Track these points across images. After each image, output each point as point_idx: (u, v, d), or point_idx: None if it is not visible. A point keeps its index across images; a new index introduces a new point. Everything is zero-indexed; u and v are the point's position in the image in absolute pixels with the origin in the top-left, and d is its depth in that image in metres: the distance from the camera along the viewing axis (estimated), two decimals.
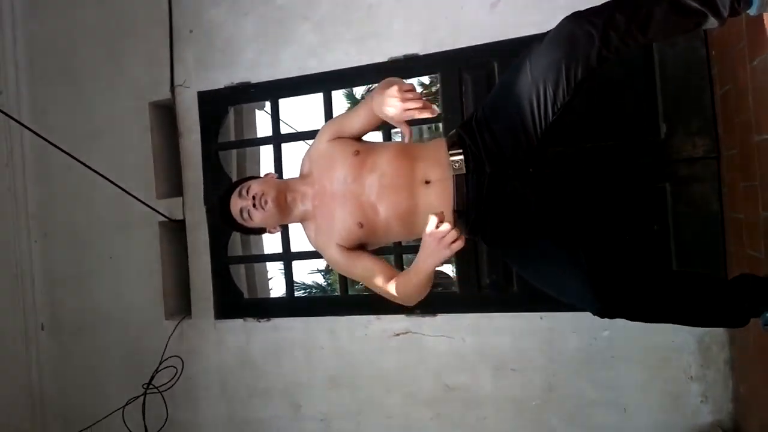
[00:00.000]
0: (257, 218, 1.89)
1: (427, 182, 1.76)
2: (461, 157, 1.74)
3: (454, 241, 1.47)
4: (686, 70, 2.48)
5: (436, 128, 6.04)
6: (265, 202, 1.85)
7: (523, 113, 1.67)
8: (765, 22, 1.71)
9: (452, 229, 1.47)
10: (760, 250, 1.95)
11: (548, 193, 1.80)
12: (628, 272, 1.68)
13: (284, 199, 1.89)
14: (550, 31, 1.63)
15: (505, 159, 1.74)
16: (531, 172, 1.78)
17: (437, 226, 1.48)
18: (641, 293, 1.65)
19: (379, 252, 2.10)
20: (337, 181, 1.83)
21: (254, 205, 1.85)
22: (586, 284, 1.62)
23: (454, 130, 1.87)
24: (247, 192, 1.88)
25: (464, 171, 1.74)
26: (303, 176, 1.95)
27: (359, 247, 1.88)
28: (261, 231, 2.02)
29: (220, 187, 3.20)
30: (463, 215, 1.76)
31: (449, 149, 1.77)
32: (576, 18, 1.59)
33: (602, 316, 1.66)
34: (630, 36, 1.58)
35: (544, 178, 1.83)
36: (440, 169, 1.76)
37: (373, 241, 1.91)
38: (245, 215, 1.89)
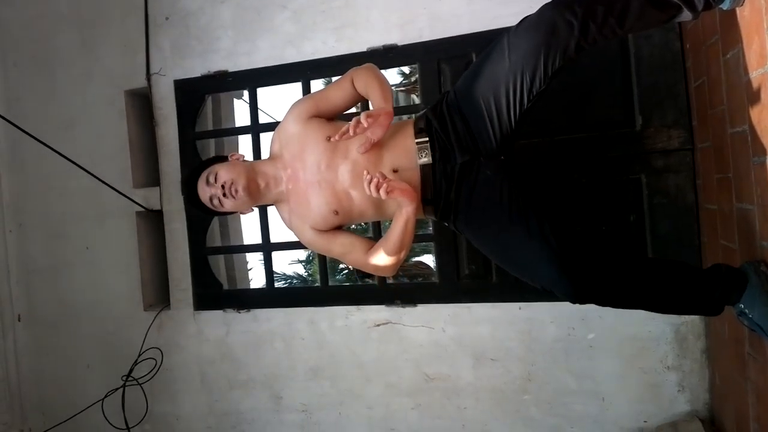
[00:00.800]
0: (228, 206, 1.87)
1: (395, 171, 1.76)
2: (427, 145, 1.75)
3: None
4: (661, 63, 2.49)
5: None
6: (236, 191, 1.83)
7: (498, 99, 1.67)
8: (738, 16, 1.72)
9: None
10: (733, 240, 1.98)
11: (520, 181, 1.79)
12: (601, 258, 1.67)
13: (255, 185, 1.87)
14: (530, 16, 1.63)
15: (476, 147, 1.74)
16: (503, 160, 1.78)
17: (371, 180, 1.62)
18: (615, 278, 1.65)
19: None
20: (311, 167, 1.82)
21: (224, 194, 1.83)
22: (558, 269, 1.62)
23: (422, 112, 1.85)
24: (215, 179, 1.84)
25: (430, 161, 1.74)
26: (273, 158, 1.92)
27: (335, 227, 1.89)
28: (233, 212, 2.01)
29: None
30: (431, 202, 1.78)
31: (416, 135, 1.77)
32: (557, 6, 1.59)
33: (575, 302, 1.66)
34: (608, 27, 1.59)
35: (515, 167, 1.81)
36: (407, 158, 1.77)
37: (347, 223, 1.92)
38: (215, 203, 1.87)
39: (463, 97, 1.75)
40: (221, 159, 1.98)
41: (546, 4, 1.62)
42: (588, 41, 1.59)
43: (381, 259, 1.81)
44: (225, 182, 1.82)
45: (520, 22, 1.65)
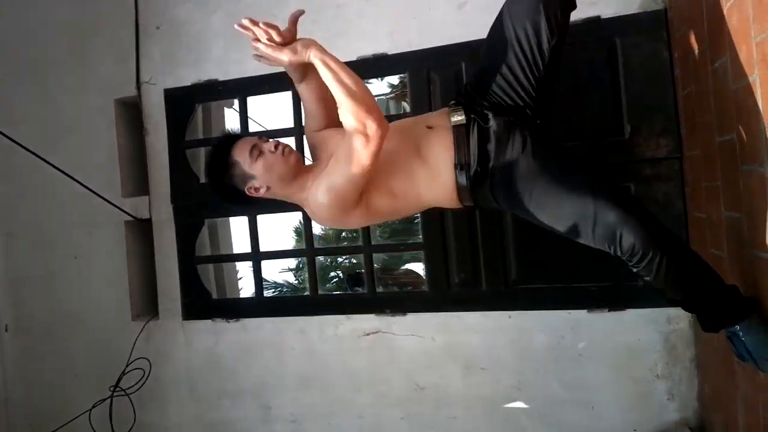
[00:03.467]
0: (268, 161, 1.74)
1: (429, 127, 1.76)
2: (461, 110, 1.76)
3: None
4: (650, 71, 2.51)
5: None
6: (289, 152, 1.76)
7: (510, 64, 1.68)
8: (725, 25, 1.73)
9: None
10: (722, 249, 1.98)
11: (558, 144, 1.79)
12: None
13: (303, 161, 1.83)
14: None
15: (508, 112, 1.74)
16: (538, 124, 1.77)
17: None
18: (672, 238, 1.61)
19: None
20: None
21: (275, 148, 1.74)
22: (625, 211, 1.53)
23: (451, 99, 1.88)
24: (258, 148, 1.76)
25: (464, 120, 1.74)
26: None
27: None
28: (242, 199, 1.84)
29: (188, 185, 3.18)
30: (465, 167, 1.73)
31: (450, 109, 1.80)
32: None
33: (647, 240, 1.52)
34: None
35: (551, 132, 1.81)
36: (440, 118, 1.79)
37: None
38: (254, 153, 1.74)
39: (482, 71, 1.78)
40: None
41: None
42: None
43: (348, 117, 1.59)
44: (280, 143, 1.78)
45: None
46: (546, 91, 1.77)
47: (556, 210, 1.67)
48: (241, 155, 1.77)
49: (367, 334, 2.92)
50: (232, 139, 1.82)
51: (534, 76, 1.69)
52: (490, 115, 1.73)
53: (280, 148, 1.76)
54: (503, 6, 1.69)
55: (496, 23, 1.74)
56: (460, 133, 1.73)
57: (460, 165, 1.72)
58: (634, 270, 1.61)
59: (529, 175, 1.69)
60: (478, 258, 2.75)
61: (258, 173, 1.77)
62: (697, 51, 2.11)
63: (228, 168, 1.79)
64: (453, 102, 1.84)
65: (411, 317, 2.86)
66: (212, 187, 1.86)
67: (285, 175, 1.78)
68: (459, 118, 1.74)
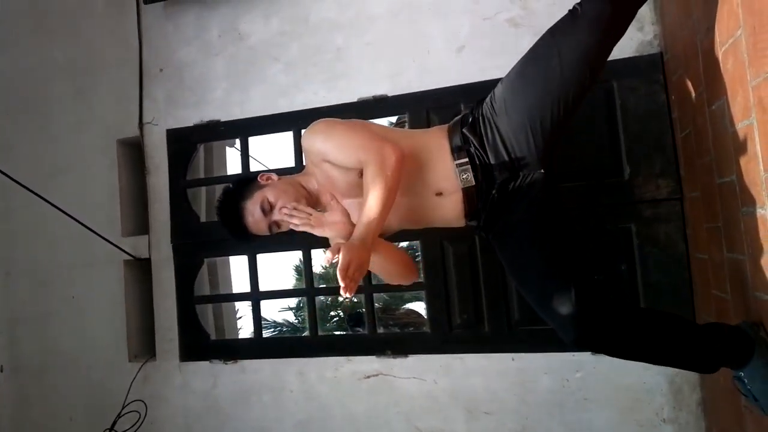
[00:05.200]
0: (295, 223, 1.72)
1: (439, 194, 1.72)
2: (468, 167, 1.69)
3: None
4: (647, 114, 2.53)
5: None
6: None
7: (543, 112, 1.62)
8: (721, 69, 1.76)
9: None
10: (725, 290, 1.96)
11: (554, 203, 1.76)
12: (607, 306, 1.65)
13: (310, 196, 1.79)
14: (581, 13, 1.60)
15: (515, 164, 1.69)
16: (542, 173, 1.71)
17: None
18: (617, 327, 1.62)
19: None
20: (348, 201, 1.76)
21: (290, 216, 1.71)
22: (572, 310, 1.57)
23: (455, 121, 1.78)
24: (271, 207, 1.73)
25: (473, 183, 1.69)
26: (307, 175, 1.84)
27: None
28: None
29: (188, 225, 3.17)
30: (475, 217, 1.75)
31: (455, 157, 1.70)
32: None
33: (576, 345, 1.62)
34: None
35: (554, 183, 1.77)
36: (449, 181, 1.70)
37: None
38: (274, 229, 1.76)
39: (503, 111, 1.69)
40: (249, 181, 1.85)
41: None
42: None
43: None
44: (285, 204, 1.72)
45: (571, 18, 1.62)
46: (559, 139, 1.74)
47: (522, 280, 1.78)
48: (267, 231, 1.78)
49: (368, 377, 2.88)
50: (235, 223, 1.79)
51: (558, 126, 1.65)
52: (495, 171, 1.70)
53: (289, 209, 1.73)
54: (550, 46, 1.62)
55: (540, 59, 1.65)
56: (470, 193, 1.71)
57: (469, 218, 1.76)
58: None
59: (514, 243, 1.74)
60: (480, 298, 2.73)
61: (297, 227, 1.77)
62: (694, 94, 2.14)
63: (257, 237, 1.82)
64: (456, 140, 1.74)
65: (412, 359, 2.83)
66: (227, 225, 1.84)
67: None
68: (468, 180, 1.70)
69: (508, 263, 1.80)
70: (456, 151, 1.71)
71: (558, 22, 1.64)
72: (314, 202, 1.79)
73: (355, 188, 1.70)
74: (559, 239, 1.71)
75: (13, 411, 3.50)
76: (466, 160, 1.69)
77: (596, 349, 1.66)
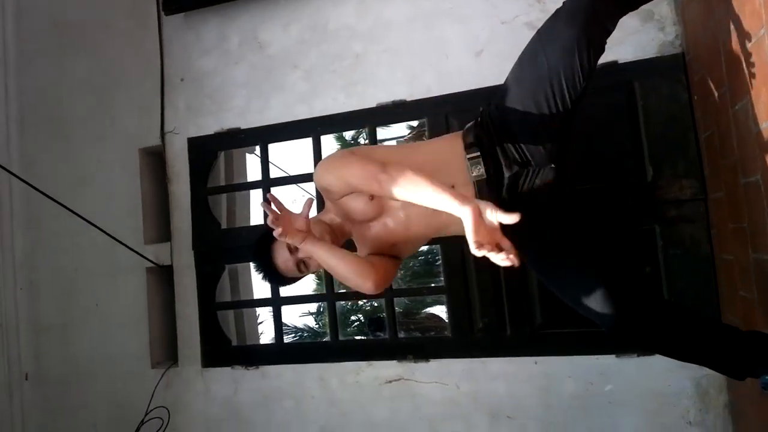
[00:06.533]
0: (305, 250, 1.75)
1: (452, 186, 1.71)
2: (480, 160, 1.72)
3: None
4: (670, 114, 2.52)
5: None
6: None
7: (539, 106, 1.65)
8: (744, 69, 1.74)
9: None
10: (752, 291, 1.94)
11: (567, 199, 1.78)
12: (645, 293, 1.66)
13: (332, 230, 1.83)
14: (563, 7, 1.65)
15: (524, 159, 1.72)
16: (553, 168, 1.74)
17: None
18: (656, 318, 1.63)
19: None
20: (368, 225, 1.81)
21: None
22: (609, 295, 1.60)
23: (470, 125, 1.82)
24: (305, 265, 1.80)
25: (485, 175, 1.72)
26: (326, 211, 1.89)
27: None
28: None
29: (210, 231, 3.20)
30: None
31: (467, 153, 1.74)
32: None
33: (615, 331, 1.63)
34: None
35: (566, 178, 1.78)
36: (461, 174, 1.74)
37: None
38: (303, 269, 1.81)
39: (504, 110, 1.74)
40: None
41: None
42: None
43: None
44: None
45: (553, 15, 1.66)
46: (567, 134, 1.77)
47: (550, 275, 1.80)
48: (297, 273, 1.83)
49: (389, 382, 2.87)
50: (268, 241, 1.83)
51: (559, 118, 1.67)
52: (504, 167, 1.72)
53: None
54: (535, 43, 1.68)
55: (528, 57, 1.71)
56: (481, 186, 1.72)
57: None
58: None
59: (532, 236, 1.70)
60: (501, 302, 2.72)
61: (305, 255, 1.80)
62: (716, 94, 2.12)
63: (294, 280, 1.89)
64: (468, 138, 1.78)
65: (434, 364, 2.82)
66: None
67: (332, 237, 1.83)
68: (479, 174, 1.72)
69: (532, 257, 1.79)
70: (468, 147, 1.75)
71: (543, 25, 1.70)
72: (339, 234, 1.84)
73: (369, 212, 1.76)
74: (583, 231, 1.75)
75: (38, 419, 3.53)
76: (478, 153, 1.72)
77: (635, 336, 1.65)
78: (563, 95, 1.63)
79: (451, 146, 1.79)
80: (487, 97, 2.64)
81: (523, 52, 1.74)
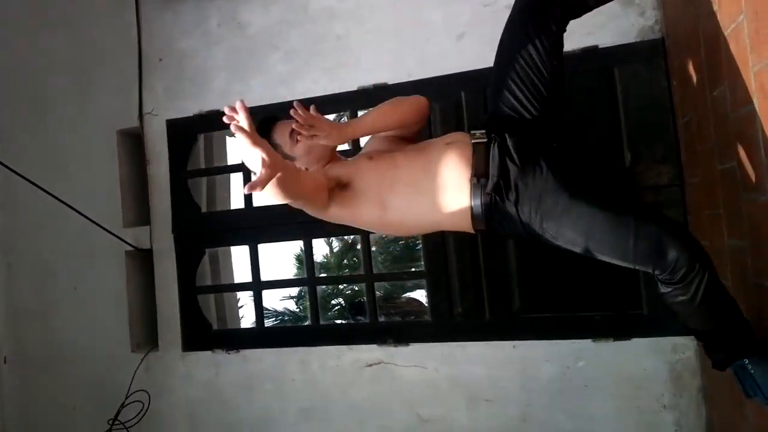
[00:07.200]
0: (308, 143, 1.77)
1: (448, 143, 1.77)
2: (483, 132, 1.74)
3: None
4: (649, 99, 2.52)
5: None
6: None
7: (510, 88, 1.72)
8: (722, 55, 1.75)
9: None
10: (726, 277, 1.96)
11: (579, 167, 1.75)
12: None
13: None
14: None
15: (525, 135, 1.71)
16: (555, 147, 1.72)
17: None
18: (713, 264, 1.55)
19: None
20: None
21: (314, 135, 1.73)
22: (662, 226, 1.51)
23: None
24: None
25: (485, 139, 1.72)
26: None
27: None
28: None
29: (190, 215, 3.18)
30: (483, 177, 1.68)
31: (472, 136, 1.77)
32: None
33: (692, 261, 1.48)
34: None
35: (570, 156, 1.75)
36: (462, 136, 1.80)
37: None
38: (293, 136, 1.80)
39: (492, 97, 1.81)
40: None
41: None
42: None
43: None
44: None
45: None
46: (556, 114, 1.77)
47: (592, 224, 1.59)
48: (281, 138, 1.84)
49: (370, 365, 2.89)
50: (271, 121, 1.89)
51: (535, 97, 1.71)
52: (508, 137, 1.71)
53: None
54: (504, 28, 1.78)
55: (499, 44, 1.81)
56: (478, 149, 1.71)
57: (478, 177, 1.68)
58: (668, 290, 1.54)
59: (559, 190, 1.63)
60: (481, 287, 2.73)
61: (298, 155, 1.84)
62: (695, 79, 2.13)
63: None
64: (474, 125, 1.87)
65: (414, 347, 2.83)
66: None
67: (323, 158, 1.86)
68: (480, 137, 1.74)
69: (559, 221, 1.63)
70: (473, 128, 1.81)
71: None
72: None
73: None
74: (605, 180, 1.86)
75: (17, 402, 3.52)
76: (483, 131, 1.75)
77: (706, 268, 1.50)
78: (530, 75, 1.70)
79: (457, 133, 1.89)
80: (468, 82, 2.68)
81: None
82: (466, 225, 1.75)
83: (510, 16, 1.77)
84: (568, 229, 1.61)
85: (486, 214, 1.70)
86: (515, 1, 1.77)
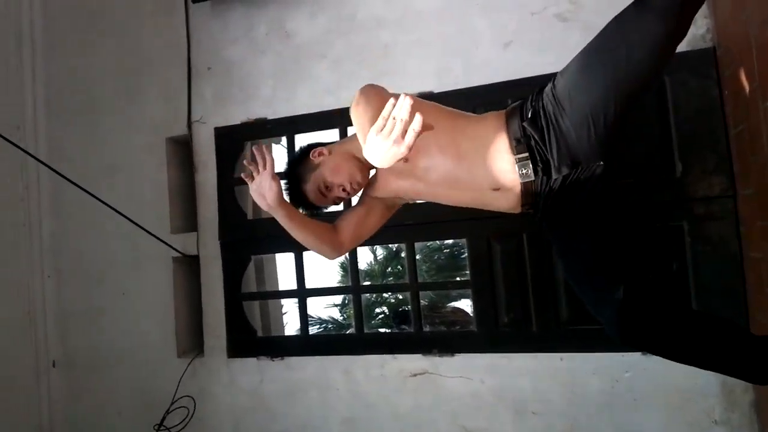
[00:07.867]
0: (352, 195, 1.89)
1: (496, 189, 1.69)
2: (528, 162, 1.63)
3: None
4: (700, 109, 2.49)
5: None
6: (358, 185, 1.84)
7: (607, 104, 1.53)
8: None
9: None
10: None
11: (610, 198, 1.71)
12: (655, 305, 1.60)
13: (362, 163, 1.83)
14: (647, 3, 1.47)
15: (574, 159, 1.62)
16: (601, 165, 1.63)
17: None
18: (666, 328, 1.57)
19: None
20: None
21: (348, 193, 1.85)
22: (618, 307, 1.56)
23: (513, 115, 1.69)
24: (327, 188, 1.84)
25: (533, 178, 1.65)
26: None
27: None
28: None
29: (236, 222, 3.22)
30: (532, 207, 1.71)
31: (515, 151, 1.64)
32: None
33: (621, 343, 1.59)
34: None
35: (612, 176, 1.69)
36: (508, 177, 1.66)
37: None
38: (339, 202, 1.91)
39: (567, 106, 1.59)
40: (302, 160, 1.91)
41: None
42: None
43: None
44: (342, 186, 1.83)
45: (637, 4, 1.49)
46: (622, 130, 1.66)
47: (572, 272, 1.76)
48: (332, 204, 1.93)
49: (414, 375, 2.89)
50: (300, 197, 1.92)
51: (622, 119, 1.58)
52: (553, 168, 1.63)
53: (348, 190, 1.85)
54: (614, 33, 1.52)
55: (602, 47, 1.55)
56: (528, 186, 1.66)
57: (524, 207, 1.73)
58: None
59: (569, 237, 1.72)
60: (527, 297, 2.72)
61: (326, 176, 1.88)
62: (747, 89, 2.10)
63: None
64: (515, 132, 1.66)
65: (459, 358, 2.82)
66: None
67: (356, 171, 1.87)
68: (528, 174, 1.64)
69: (561, 253, 1.80)
70: (516, 145, 1.65)
71: (624, 12, 1.52)
72: (368, 166, 1.83)
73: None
74: (613, 234, 1.69)
75: (64, 405, 3.58)
76: (527, 154, 1.63)
77: (642, 349, 1.64)
78: (631, 96, 1.54)
79: (495, 137, 1.68)
80: (515, 90, 2.66)
81: (598, 43, 1.57)
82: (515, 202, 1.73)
83: (649, 14, 1.47)
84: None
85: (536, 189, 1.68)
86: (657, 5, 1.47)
